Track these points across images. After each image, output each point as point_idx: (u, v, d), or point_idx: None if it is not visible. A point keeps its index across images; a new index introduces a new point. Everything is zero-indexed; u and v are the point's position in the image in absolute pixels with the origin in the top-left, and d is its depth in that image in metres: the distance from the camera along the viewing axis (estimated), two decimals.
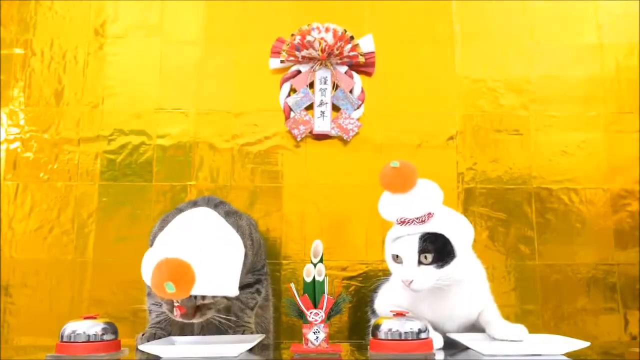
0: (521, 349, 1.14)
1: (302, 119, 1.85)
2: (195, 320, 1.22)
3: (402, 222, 1.24)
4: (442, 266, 1.21)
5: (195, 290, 1.15)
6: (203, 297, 1.20)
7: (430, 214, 1.23)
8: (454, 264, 1.22)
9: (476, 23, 1.95)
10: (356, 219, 1.82)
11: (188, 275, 1.11)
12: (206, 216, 1.30)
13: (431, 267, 1.21)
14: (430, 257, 1.20)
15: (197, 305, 1.21)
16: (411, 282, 1.20)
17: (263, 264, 1.50)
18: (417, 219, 1.22)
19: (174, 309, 1.19)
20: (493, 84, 1.92)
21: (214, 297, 1.21)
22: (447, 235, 1.22)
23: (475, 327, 1.32)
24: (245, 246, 1.34)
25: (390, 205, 1.27)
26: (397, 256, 1.24)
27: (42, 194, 1.82)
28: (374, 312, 1.47)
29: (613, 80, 1.92)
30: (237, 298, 1.39)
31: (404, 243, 1.23)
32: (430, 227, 1.22)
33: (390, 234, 1.29)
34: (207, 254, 1.17)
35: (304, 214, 1.82)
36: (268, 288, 1.57)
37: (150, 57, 1.90)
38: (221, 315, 1.28)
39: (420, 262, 1.21)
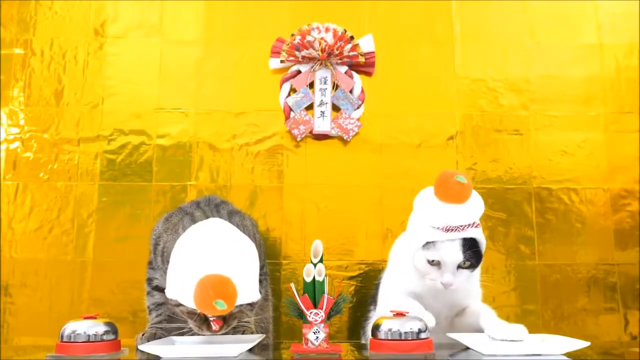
0: (521, 349, 1.13)
1: (302, 119, 1.85)
2: (221, 332, 1.21)
3: (448, 230, 1.26)
4: (474, 270, 1.29)
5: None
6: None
7: (476, 224, 1.28)
8: (479, 266, 1.30)
9: (476, 23, 1.95)
10: (356, 219, 1.82)
11: (233, 290, 1.12)
12: (219, 229, 1.29)
13: (467, 270, 1.27)
14: (468, 262, 1.26)
15: (224, 317, 1.20)
16: (451, 285, 1.26)
17: (263, 264, 1.50)
18: (461, 226, 1.26)
19: (211, 324, 1.18)
20: (493, 84, 1.92)
21: (240, 305, 1.20)
22: (478, 240, 1.28)
23: (466, 324, 1.33)
24: None
25: (439, 212, 1.28)
26: (434, 261, 1.27)
27: (42, 194, 1.82)
28: (375, 302, 1.48)
29: (613, 80, 1.92)
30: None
31: (446, 249, 1.25)
32: (467, 233, 1.27)
33: (422, 234, 1.28)
34: (232, 267, 1.17)
35: (304, 213, 1.82)
36: (267, 288, 1.57)
37: (150, 57, 1.90)
38: (243, 320, 1.28)
39: (459, 267, 1.26)
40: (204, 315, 1.18)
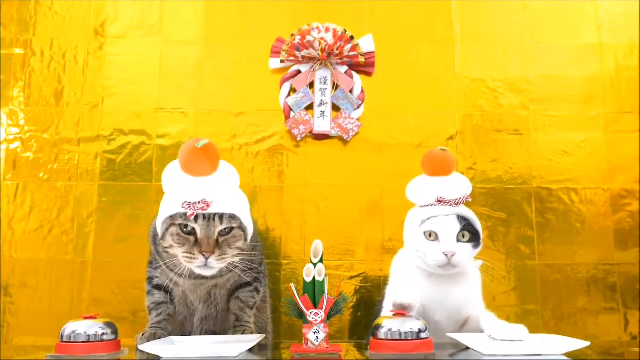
0: (521, 349, 1.13)
1: (302, 119, 1.85)
2: (214, 260, 1.21)
3: (440, 202, 1.32)
4: (476, 246, 1.31)
5: (219, 207, 1.21)
6: (221, 219, 1.21)
7: (467, 197, 1.34)
8: (480, 246, 1.32)
9: (476, 23, 1.95)
10: (356, 219, 1.82)
11: (215, 146, 1.20)
12: None
13: (468, 245, 1.30)
14: (468, 235, 1.30)
15: (216, 240, 1.21)
16: (453, 255, 1.26)
17: (260, 262, 1.50)
18: (454, 200, 1.32)
19: (200, 243, 1.20)
20: (493, 84, 1.92)
21: (231, 230, 1.23)
22: (472, 220, 1.32)
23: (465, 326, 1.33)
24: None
25: (429, 186, 1.35)
26: (432, 234, 1.30)
27: (42, 194, 1.82)
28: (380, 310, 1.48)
29: (613, 80, 1.92)
30: (236, 296, 1.40)
31: (442, 222, 1.30)
32: (461, 210, 1.33)
33: (418, 216, 1.35)
34: (221, 184, 1.24)
35: (304, 213, 1.82)
36: (266, 289, 1.57)
37: (150, 57, 1.90)
38: (236, 259, 1.27)
39: (457, 240, 1.29)
40: (194, 239, 1.20)
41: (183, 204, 1.19)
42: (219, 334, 1.43)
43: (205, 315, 1.42)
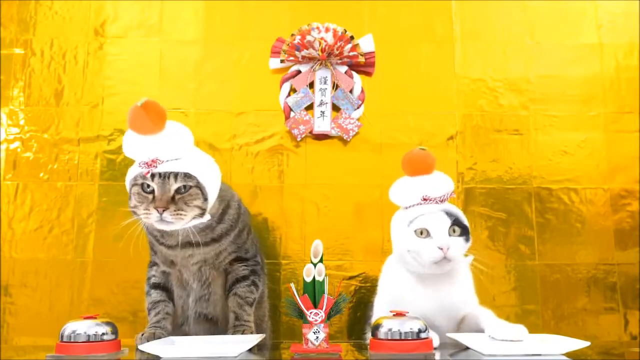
0: (521, 349, 1.13)
1: (302, 119, 1.85)
2: (168, 215, 1.24)
3: (426, 200, 1.33)
4: (467, 240, 1.32)
5: (174, 166, 1.26)
6: (175, 178, 1.25)
7: (451, 193, 1.36)
8: (470, 240, 1.33)
9: (476, 23, 1.95)
10: (356, 219, 1.82)
11: (157, 104, 1.24)
12: None
13: (460, 239, 1.31)
14: (458, 230, 1.31)
15: (172, 197, 1.25)
16: (448, 248, 1.27)
17: (255, 254, 1.50)
18: (439, 197, 1.34)
19: (156, 200, 1.24)
20: (493, 84, 1.92)
21: (189, 188, 1.27)
22: (459, 215, 1.34)
23: (468, 331, 1.33)
24: (233, 203, 1.46)
25: (412, 186, 1.37)
26: (423, 231, 1.30)
27: (42, 194, 1.82)
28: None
29: (613, 80, 1.92)
30: (234, 292, 1.40)
31: (432, 218, 1.31)
32: (447, 206, 1.34)
33: (404, 217, 1.35)
34: (176, 139, 1.29)
35: (304, 213, 1.82)
36: (265, 288, 1.57)
37: (150, 57, 1.90)
38: (192, 205, 1.29)
39: (449, 234, 1.30)
40: (152, 196, 1.25)
41: (140, 163, 1.26)
42: (212, 317, 1.46)
43: (200, 296, 1.45)
